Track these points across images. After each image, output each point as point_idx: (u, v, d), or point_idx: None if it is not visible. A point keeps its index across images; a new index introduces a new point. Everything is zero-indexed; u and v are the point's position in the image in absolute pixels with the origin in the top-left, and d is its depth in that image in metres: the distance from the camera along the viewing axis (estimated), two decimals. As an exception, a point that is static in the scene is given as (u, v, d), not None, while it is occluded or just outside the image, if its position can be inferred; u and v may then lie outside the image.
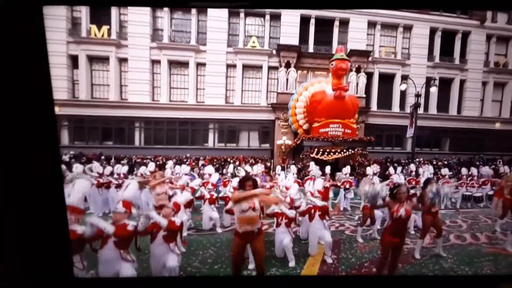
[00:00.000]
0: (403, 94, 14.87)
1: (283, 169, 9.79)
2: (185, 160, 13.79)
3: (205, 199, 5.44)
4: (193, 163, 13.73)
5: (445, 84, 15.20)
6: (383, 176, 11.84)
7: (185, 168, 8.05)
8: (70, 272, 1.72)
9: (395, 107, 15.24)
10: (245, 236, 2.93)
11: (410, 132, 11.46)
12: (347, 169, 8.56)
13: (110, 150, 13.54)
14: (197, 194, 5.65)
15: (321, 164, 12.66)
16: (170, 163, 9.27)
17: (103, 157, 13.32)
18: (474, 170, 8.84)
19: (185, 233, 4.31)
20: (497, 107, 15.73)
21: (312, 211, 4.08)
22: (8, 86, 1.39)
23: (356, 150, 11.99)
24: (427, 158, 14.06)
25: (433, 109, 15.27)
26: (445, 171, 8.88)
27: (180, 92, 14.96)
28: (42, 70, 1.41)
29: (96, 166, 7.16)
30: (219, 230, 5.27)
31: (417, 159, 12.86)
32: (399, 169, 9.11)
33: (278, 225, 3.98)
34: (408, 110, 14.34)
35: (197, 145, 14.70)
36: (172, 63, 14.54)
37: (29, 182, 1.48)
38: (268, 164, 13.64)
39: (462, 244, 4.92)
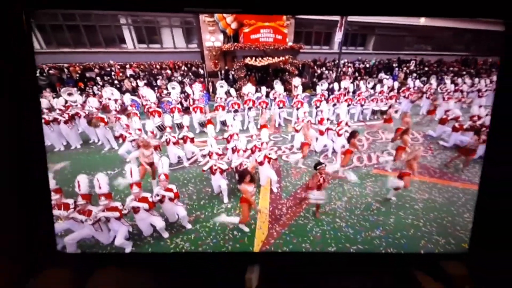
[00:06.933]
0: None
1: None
2: (108, 69, 12.24)
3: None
4: (120, 73, 12.44)
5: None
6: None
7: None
8: (53, 246, 1.67)
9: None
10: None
11: (338, 36, 11.54)
12: (279, 88, 9.18)
13: None
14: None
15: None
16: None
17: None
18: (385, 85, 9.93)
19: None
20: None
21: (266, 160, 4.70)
22: None
23: (286, 57, 12.29)
24: (351, 59, 14.95)
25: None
26: (362, 87, 9.49)
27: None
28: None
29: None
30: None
31: (342, 61, 13.98)
32: (324, 85, 9.59)
33: (213, 173, 4.54)
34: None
35: (114, 47, 12.69)
36: None
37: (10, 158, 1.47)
38: (202, 73, 13.19)
39: (359, 166, 5.92)
